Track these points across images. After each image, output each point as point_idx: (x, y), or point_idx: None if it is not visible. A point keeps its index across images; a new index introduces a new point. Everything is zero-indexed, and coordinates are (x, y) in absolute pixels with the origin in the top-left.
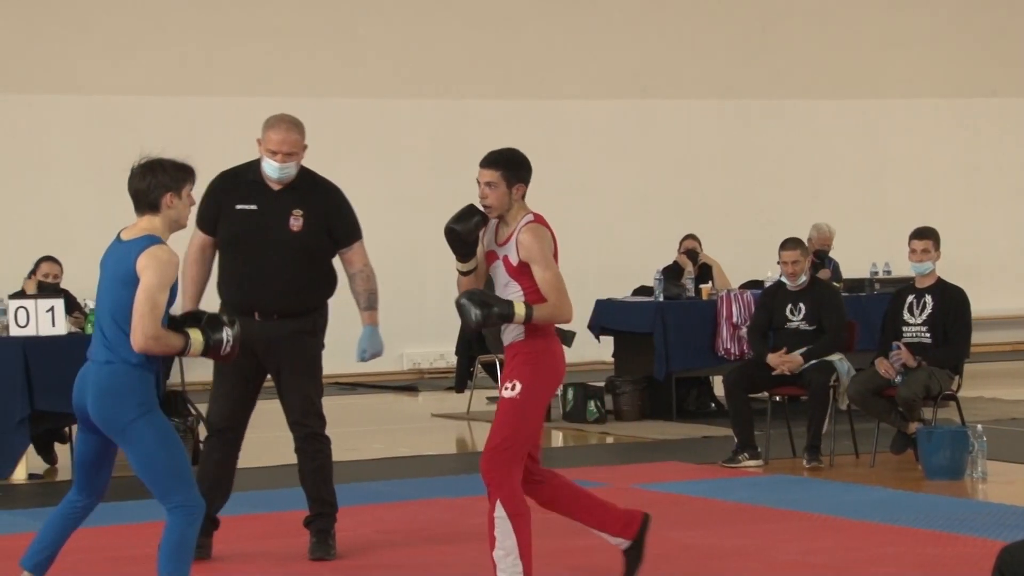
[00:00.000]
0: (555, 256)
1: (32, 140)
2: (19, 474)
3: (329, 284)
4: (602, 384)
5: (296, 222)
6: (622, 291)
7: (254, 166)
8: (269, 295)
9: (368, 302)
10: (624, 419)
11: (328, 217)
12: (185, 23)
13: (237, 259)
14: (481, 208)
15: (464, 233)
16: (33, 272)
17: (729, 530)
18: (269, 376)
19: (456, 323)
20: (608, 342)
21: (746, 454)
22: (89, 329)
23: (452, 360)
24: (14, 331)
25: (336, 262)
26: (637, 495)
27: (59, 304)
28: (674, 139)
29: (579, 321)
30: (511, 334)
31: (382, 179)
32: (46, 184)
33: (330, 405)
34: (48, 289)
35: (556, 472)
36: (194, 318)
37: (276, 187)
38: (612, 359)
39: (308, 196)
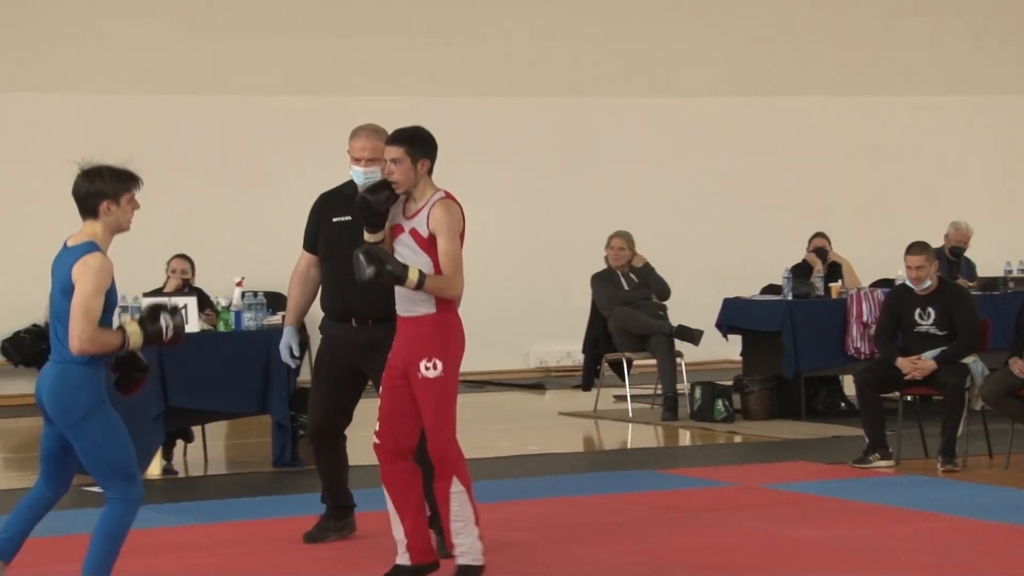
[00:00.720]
0: (462, 236)
1: (167, 140)
2: (153, 469)
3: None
4: (730, 383)
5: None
6: (750, 290)
7: (351, 182)
8: (362, 300)
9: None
10: (752, 418)
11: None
12: (314, 23)
13: (334, 268)
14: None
15: (375, 204)
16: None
17: (860, 531)
18: None
19: (583, 321)
20: (736, 341)
21: (877, 454)
22: (222, 327)
23: (579, 358)
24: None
25: None
26: (765, 495)
27: (192, 302)
28: (802, 136)
29: (707, 319)
30: (419, 304)
31: (505, 178)
32: (180, 184)
33: (458, 403)
34: (181, 287)
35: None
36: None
37: None
38: (740, 358)
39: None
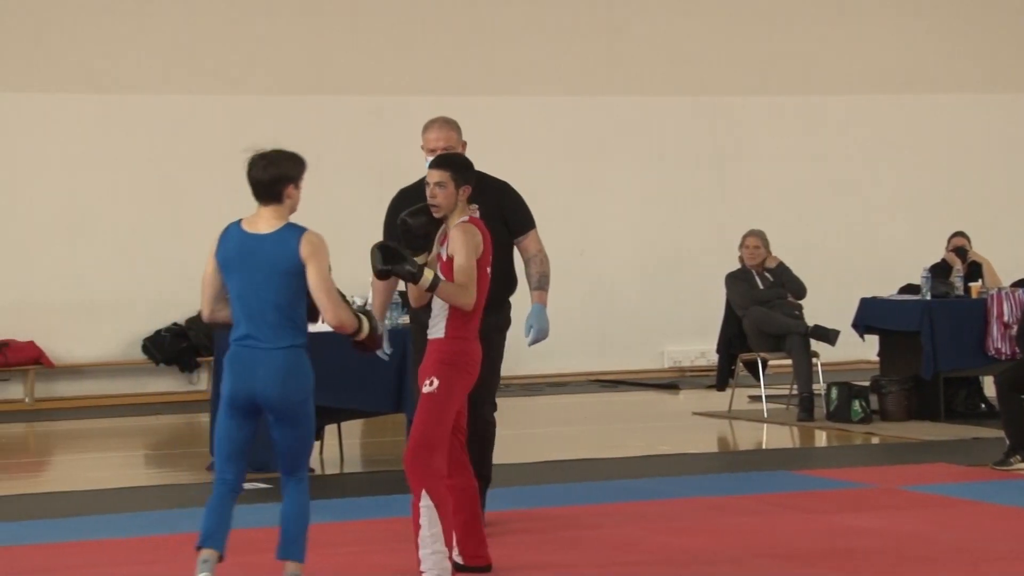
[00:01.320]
0: (486, 257)
1: (306, 141)
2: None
3: (507, 282)
4: (867, 383)
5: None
6: (887, 289)
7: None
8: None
9: (539, 283)
10: (890, 419)
11: (502, 209)
12: (452, 24)
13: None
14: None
15: (415, 227)
16: None
17: (1000, 534)
18: None
19: (717, 321)
20: (872, 341)
21: (1018, 456)
22: None
23: (713, 358)
24: None
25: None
26: (904, 496)
27: None
28: (940, 134)
29: (843, 319)
30: (435, 329)
31: (645, 177)
32: (317, 184)
33: (592, 402)
34: None
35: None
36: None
37: None
38: (877, 358)
39: (479, 193)
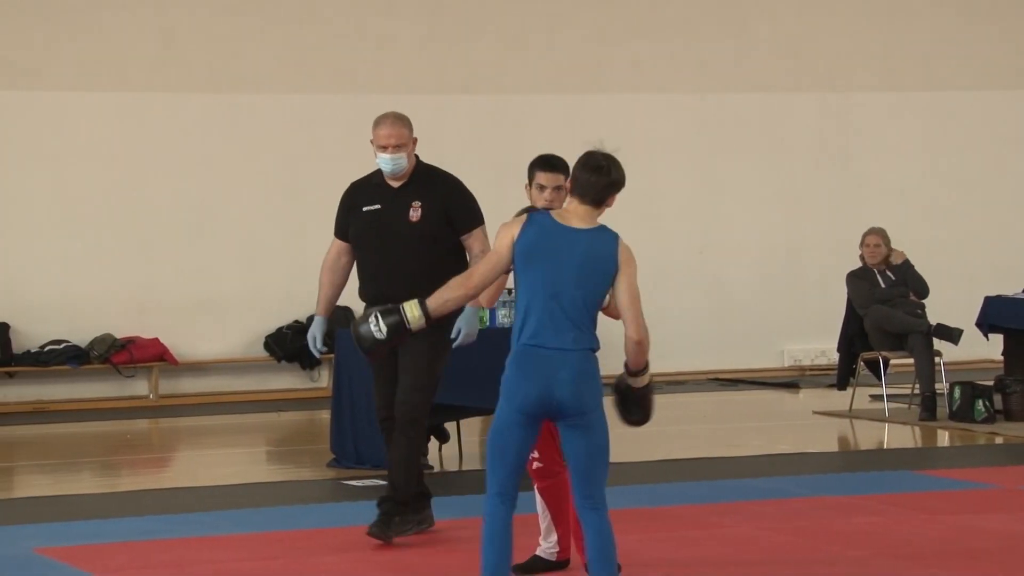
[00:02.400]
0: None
1: (426, 139)
2: None
3: (457, 272)
4: (991, 383)
5: (415, 213)
6: (1012, 287)
7: (378, 171)
8: (397, 285)
9: None
10: (1014, 419)
11: (446, 205)
12: (571, 22)
13: (367, 256)
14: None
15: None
16: None
17: None
18: None
19: (838, 320)
20: (997, 340)
21: None
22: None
23: (834, 357)
24: None
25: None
26: None
27: None
28: None
29: (967, 318)
30: None
31: (764, 175)
32: None
33: (711, 401)
34: None
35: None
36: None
37: (396, 184)
38: (1002, 357)
39: (426, 188)
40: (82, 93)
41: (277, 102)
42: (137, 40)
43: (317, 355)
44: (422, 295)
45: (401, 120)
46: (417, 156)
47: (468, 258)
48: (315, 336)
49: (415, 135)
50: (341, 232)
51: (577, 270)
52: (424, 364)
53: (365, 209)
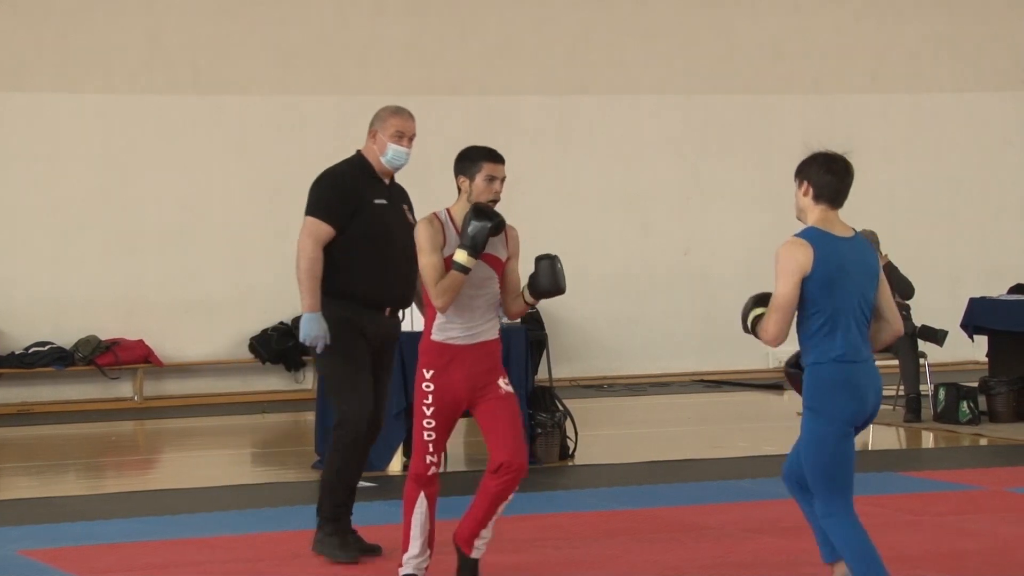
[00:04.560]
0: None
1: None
2: (395, 466)
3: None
4: (975, 384)
5: (409, 215)
6: (998, 289)
7: (363, 161)
8: (400, 290)
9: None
10: (999, 420)
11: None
12: (560, 24)
13: (376, 254)
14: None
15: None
16: None
17: None
18: None
19: None
20: (981, 341)
21: None
22: None
23: None
24: None
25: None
26: (1012, 499)
27: None
28: None
29: (952, 320)
30: (492, 330)
31: (750, 177)
32: (426, 184)
33: (696, 402)
34: None
35: None
36: None
37: (386, 181)
38: (986, 359)
39: (401, 189)
40: (68, 95)
41: (263, 104)
42: (123, 42)
43: (319, 350)
44: (408, 302)
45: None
46: None
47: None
48: (326, 331)
49: None
50: (340, 219)
51: (865, 279)
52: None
53: (376, 202)
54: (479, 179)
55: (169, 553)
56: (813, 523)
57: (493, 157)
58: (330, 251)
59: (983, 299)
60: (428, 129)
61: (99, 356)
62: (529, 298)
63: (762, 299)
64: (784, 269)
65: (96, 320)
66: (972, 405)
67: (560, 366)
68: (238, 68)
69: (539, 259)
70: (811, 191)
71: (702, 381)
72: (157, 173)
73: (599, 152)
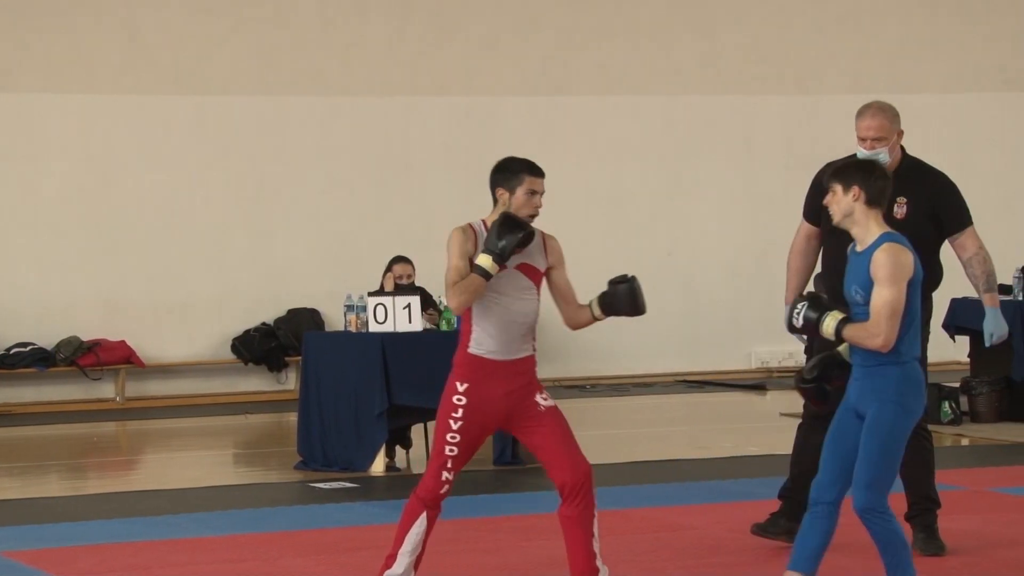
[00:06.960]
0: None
1: (396, 141)
2: (377, 466)
3: (935, 275)
4: (957, 385)
5: (900, 210)
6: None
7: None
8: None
9: (988, 284)
10: (980, 421)
11: (933, 204)
12: (540, 25)
13: (837, 248)
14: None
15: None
16: (388, 271)
17: None
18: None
19: None
20: (963, 342)
21: None
22: (443, 326)
23: (801, 359)
24: (373, 327)
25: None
26: (995, 499)
27: (415, 301)
28: None
29: (934, 319)
30: (528, 347)
31: (732, 178)
32: (408, 184)
33: (679, 403)
34: (403, 288)
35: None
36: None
37: None
38: (968, 359)
39: (913, 184)
40: (50, 95)
41: (245, 104)
42: (105, 42)
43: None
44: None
45: (884, 111)
46: (903, 149)
47: (963, 258)
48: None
49: (900, 128)
50: (812, 215)
51: (917, 284)
52: None
53: None
54: (520, 192)
55: (152, 554)
56: (813, 533)
57: (534, 171)
58: None
59: (965, 299)
60: (410, 129)
61: (81, 357)
62: (599, 313)
63: (817, 302)
64: (895, 275)
65: (78, 321)
66: (954, 405)
67: (543, 367)
68: (220, 68)
69: (616, 282)
70: (863, 196)
71: (685, 381)
72: (139, 173)
73: (582, 153)
